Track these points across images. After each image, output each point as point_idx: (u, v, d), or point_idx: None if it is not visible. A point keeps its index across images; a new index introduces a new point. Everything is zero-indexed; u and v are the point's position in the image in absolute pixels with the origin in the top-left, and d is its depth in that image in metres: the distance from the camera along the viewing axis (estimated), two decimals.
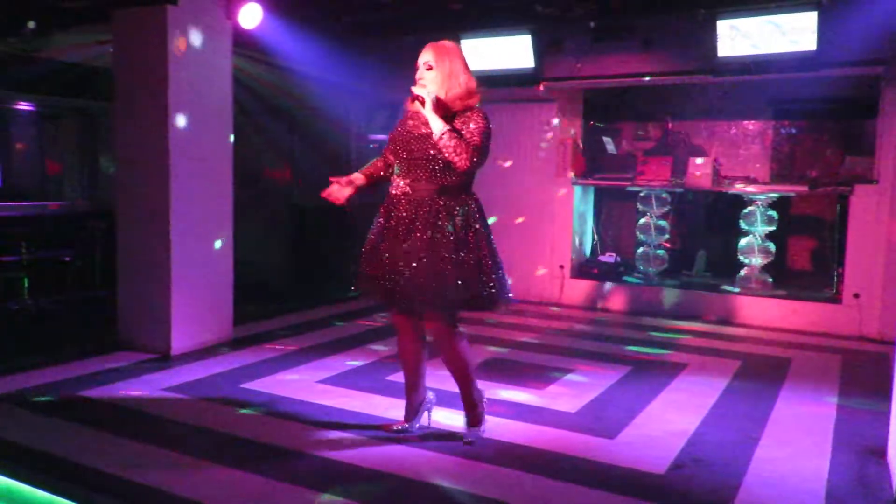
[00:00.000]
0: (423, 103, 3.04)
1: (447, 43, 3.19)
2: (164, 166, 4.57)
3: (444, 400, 3.73)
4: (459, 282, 3.01)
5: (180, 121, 4.61)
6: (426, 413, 3.43)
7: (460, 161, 2.98)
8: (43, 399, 3.76)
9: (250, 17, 4.97)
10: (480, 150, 3.03)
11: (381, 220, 3.18)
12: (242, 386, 4.07)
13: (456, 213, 3.07)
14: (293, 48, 5.98)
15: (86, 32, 5.96)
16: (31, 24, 5.58)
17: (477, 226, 3.11)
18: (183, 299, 4.71)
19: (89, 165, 8.72)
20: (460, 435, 3.32)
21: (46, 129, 8.67)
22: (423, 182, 3.09)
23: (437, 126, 2.99)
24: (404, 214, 3.09)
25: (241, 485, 2.81)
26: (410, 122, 3.18)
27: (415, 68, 3.17)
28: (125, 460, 3.00)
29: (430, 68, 3.12)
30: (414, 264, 3.02)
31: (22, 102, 8.06)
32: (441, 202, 3.06)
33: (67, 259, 6.22)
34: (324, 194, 3.24)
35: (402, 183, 3.14)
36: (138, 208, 4.74)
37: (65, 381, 4.07)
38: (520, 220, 6.99)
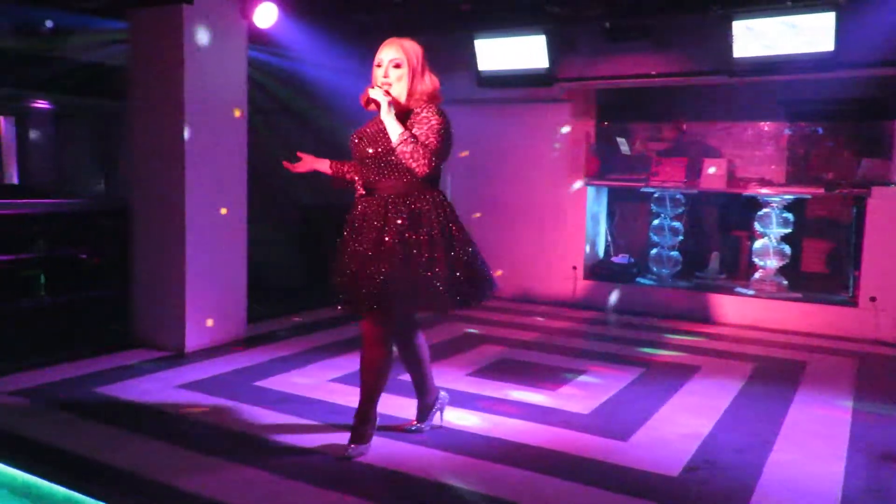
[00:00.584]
0: (378, 107, 2.94)
1: (409, 40, 3.06)
2: (179, 165, 4.60)
3: (456, 399, 3.74)
4: (400, 282, 2.89)
5: (195, 119, 4.63)
6: (438, 413, 3.43)
7: (418, 167, 2.87)
8: (58, 396, 3.79)
9: (265, 16, 4.99)
10: (437, 153, 2.89)
11: (345, 224, 3.11)
12: (255, 384, 4.09)
13: (404, 211, 2.93)
14: (307, 47, 5.99)
15: (102, 32, 6.01)
16: (49, 24, 5.62)
17: (433, 225, 2.93)
18: (197, 297, 4.74)
19: (105, 164, 8.80)
20: (472, 434, 3.31)
21: (62, 127, 8.75)
22: (375, 182, 3.02)
23: (395, 132, 2.88)
24: (358, 215, 3.03)
25: (253, 482, 2.82)
26: (368, 125, 3.09)
27: (375, 66, 3.01)
28: (138, 457, 3.02)
29: (398, 66, 2.99)
30: (355, 266, 2.94)
31: (38, 101, 8.14)
32: (391, 201, 2.96)
33: (83, 256, 6.27)
34: (285, 164, 3.31)
35: (359, 185, 3.13)
36: (153, 206, 4.78)
37: (79, 377, 4.11)
38: (533, 220, 6.97)
